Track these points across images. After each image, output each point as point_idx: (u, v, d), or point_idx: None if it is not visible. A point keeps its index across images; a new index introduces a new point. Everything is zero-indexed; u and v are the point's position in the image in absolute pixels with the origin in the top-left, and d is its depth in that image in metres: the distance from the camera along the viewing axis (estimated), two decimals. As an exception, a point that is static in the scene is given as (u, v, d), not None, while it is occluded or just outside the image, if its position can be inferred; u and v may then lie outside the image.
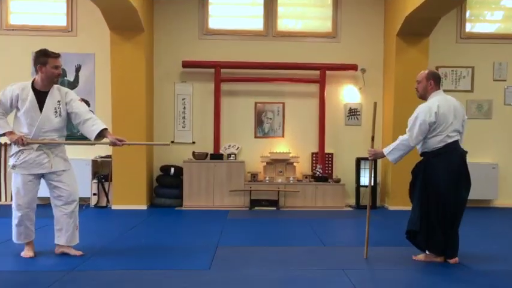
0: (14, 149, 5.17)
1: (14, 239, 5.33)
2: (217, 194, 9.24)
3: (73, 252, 5.37)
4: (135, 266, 4.98)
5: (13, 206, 5.25)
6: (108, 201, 9.15)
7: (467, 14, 10.04)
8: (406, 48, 9.25)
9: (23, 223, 5.25)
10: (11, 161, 5.20)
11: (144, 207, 9.01)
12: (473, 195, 9.36)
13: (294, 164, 9.57)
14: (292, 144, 9.84)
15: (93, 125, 5.29)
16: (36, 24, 9.66)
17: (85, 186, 9.16)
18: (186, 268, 4.89)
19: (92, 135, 5.28)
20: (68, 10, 9.63)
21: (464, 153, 5.20)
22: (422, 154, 5.24)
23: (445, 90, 9.65)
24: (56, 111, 5.19)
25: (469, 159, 9.43)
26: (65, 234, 5.34)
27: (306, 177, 9.49)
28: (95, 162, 9.40)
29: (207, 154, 9.44)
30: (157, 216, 8.29)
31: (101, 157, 9.38)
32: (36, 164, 5.18)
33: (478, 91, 9.99)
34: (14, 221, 5.25)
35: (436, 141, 5.08)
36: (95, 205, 9.12)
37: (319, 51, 9.86)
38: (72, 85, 9.50)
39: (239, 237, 6.59)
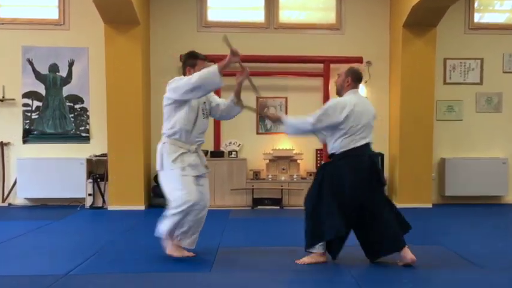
0: (174, 153, 5.10)
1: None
2: (218, 193, 9.15)
3: (186, 253, 5.30)
4: (133, 269, 4.93)
5: (181, 208, 5.04)
6: (104, 201, 9.05)
7: (476, 3, 9.94)
8: (412, 39, 9.16)
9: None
10: (178, 165, 5.08)
11: (142, 207, 8.93)
12: (482, 191, 9.59)
13: (298, 161, 9.49)
14: (296, 140, 9.69)
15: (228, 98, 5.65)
16: (27, 17, 9.52)
17: (80, 187, 9.11)
18: (186, 271, 4.84)
19: (233, 101, 5.57)
20: (60, 3, 9.48)
21: (373, 156, 5.16)
22: (330, 155, 5.15)
23: (453, 83, 9.85)
24: (203, 113, 5.33)
25: (478, 154, 9.60)
26: (190, 237, 5.27)
27: (310, 175, 9.38)
28: (89, 162, 9.28)
29: (207, 151, 9.34)
30: (155, 217, 8.06)
31: (96, 156, 9.29)
32: (196, 165, 5.23)
33: (487, 83, 9.91)
34: (178, 228, 5.17)
35: (346, 143, 4.97)
36: (90, 206, 9.03)
37: (322, 43, 9.76)
38: (65, 81, 9.42)
39: (241, 237, 6.55)
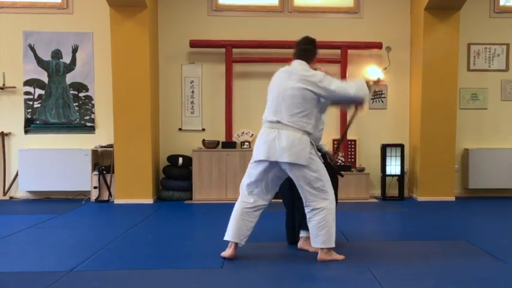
0: (309, 142, 4.87)
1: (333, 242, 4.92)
2: (230, 185, 9.07)
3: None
4: (141, 265, 4.86)
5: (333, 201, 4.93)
6: (110, 195, 9.00)
7: (502, -15, 9.82)
8: (435, 23, 9.03)
9: None
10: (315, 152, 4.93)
11: (150, 201, 8.87)
12: (508, 183, 9.49)
13: (313, 152, 9.41)
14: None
15: None
16: (28, 0, 9.42)
17: (85, 179, 9.08)
18: (197, 267, 4.79)
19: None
20: (64, -14, 9.46)
21: None
22: None
23: (477, 70, 9.74)
24: None
25: (503, 145, 9.59)
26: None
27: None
28: (95, 153, 9.24)
29: (218, 142, 9.30)
30: (164, 211, 8.19)
31: (102, 147, 9.22)
32: None
33: (513, 70, 9.81)
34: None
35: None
36: (96, 199, 8.97)
37: (340, 28, 9.62)
38: (69, 67, 9.34)
39: (254, 232, 6.42)
